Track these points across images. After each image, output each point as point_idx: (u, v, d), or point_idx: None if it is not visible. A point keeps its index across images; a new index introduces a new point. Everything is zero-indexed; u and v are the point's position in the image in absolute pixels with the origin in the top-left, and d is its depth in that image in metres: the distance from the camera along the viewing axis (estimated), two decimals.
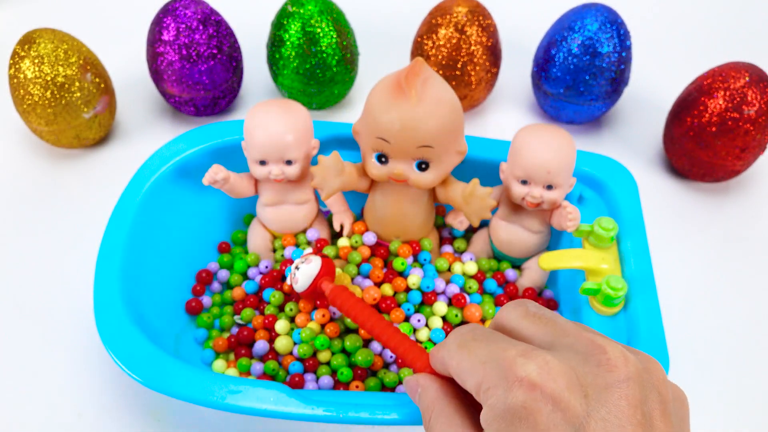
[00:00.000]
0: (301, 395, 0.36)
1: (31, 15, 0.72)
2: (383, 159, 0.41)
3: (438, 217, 0.51)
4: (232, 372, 0.42)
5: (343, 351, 0.42)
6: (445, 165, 0.41)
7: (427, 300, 0.44)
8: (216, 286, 0.48)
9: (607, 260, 0.43)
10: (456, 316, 0.43)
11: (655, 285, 0.42)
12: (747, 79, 0.51)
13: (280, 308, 0.44)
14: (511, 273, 0.47)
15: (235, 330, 0.45)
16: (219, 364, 0.43)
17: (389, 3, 0.75)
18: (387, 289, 0.44)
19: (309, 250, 0.43)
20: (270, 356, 0.43)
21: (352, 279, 0.44)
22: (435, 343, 0.44)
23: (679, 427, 0.24)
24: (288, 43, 0.56)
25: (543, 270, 0.45)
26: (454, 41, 0.56)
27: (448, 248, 0.49)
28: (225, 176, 0.44)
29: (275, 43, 0.57)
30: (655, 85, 0.66)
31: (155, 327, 0.41)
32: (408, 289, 0.44)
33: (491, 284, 0.46)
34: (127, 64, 0.64)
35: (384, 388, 0.42)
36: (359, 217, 0.49)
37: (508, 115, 0.64)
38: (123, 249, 0.42)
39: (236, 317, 0.46)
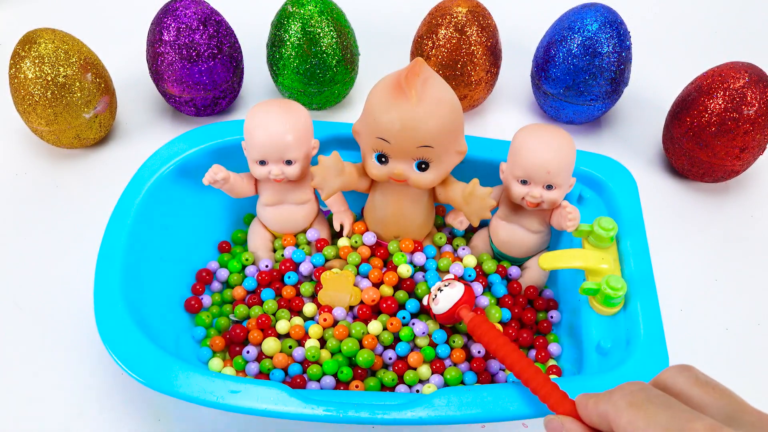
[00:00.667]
0: (301, 395, 0.36)
1: (31, 15, 0.72)
2: (383, 159, 0.41)
3: (438, 217, 0.51)
4: (229, 370, 0.42)
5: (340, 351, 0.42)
6: (445, 165, 0.41)
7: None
8: (216, 285, 0.48)
9: (607, 260, 0.43)
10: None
11: (654, 285, 0.42)
12: (746, 79, 0.51)
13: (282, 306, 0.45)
14: (514, 270, 0.47)
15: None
16: (215, 363, 0.43)
17: (389, 3, 0.75)
18: (386, 290, 0.44)
19: (451, 275, 0.44)
20: (263, 356, 0.43)
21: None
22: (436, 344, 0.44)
23: None
24: (288, 43, 0.56)
25: (543, 270, 0.45)
26: (454, 41, 0.56)
27: (448, 248, 0.49)
28: (225, 176, 0.44)
29: (275, 43, 0.57)
30: (654, 85, 0.66)
31: (155, 327, 0.41)
32: (408, 288, 0.45)
33: (495, 279, 0.46)
34: (127, 64, 0.64)
35: (384, 388, 0.42)
36: (359, 217, 0.49)
37: (508, 115, 0.64)
38: (123, 249, 0.42)
39: (231, 316, 0.46)
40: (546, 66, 0.58)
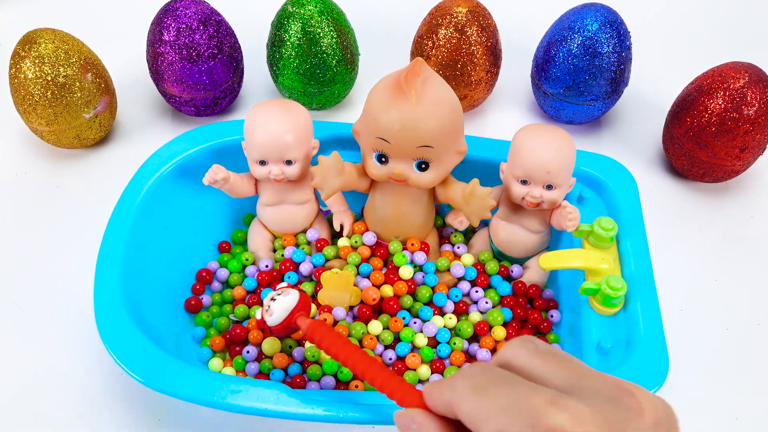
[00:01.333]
0: (301, 395, 0.36)
1: (31, 15, 0.72)
2: (383, 159, 0.41)
3: (438, 217, 0.51)
4: (229, 370, 0.42)
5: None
6: (445, 165, 0.41)
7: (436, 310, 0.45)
8: (216, 285, 0.48)
9: (607, 260, 0.43)
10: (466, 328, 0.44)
11: (654, 285, 0.42)
12: (746, 79, 0.51)
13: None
14: (516, 269, 0.47)
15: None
16: (215, 363, 0.43)
17: (389, 3, 0.75)
18: (387, 290, 0.44)
19: (284, 284, 0.42)
20: (263, 356, 0.43)
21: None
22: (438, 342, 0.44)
23: None
24: (288, 43, 0.56)
25: (543, 270, 0.45)
26: (454, 41, 0.56)
27: (448, 247, 0.49)
28: (225, 176, 0.44)
29: (275, 43, 0.57)
30: (654, 85, 0.66)
31: (155, 327, 0.41)
32: (410, 290, 0.45)
33: (497, 280, 0.47)
34: (127, 64, 0.64)
35: None
36: (359, 217, 0.49)
37: (508, 115, 0.64)
38: (123, 249, 0.42)
39: (231, 316, 0.46)
40: (546, 66, 0.58)
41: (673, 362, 0.41)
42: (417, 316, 0.45)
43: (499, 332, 0.44)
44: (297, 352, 0.42)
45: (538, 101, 0.62)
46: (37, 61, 0.51)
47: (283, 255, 0.47)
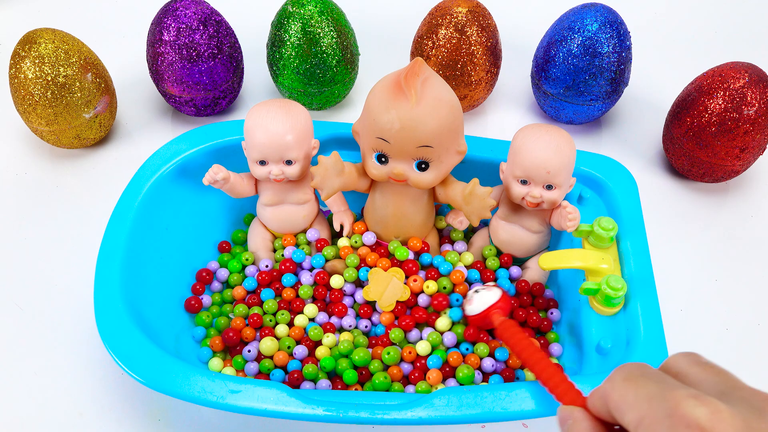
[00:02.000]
0: (301, 395, 0.36)
1: (31, 15, 0.72)
2: (383, 159, 0.41)
3: (439, 217, 0.51)
4: (229, 371, 0.42)
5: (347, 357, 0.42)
6: (444, 165, 0.41)
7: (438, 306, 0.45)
8: (216, 285, 0.48)
9: (607, 260, 0.43)
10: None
11: (654, 285, 0.42)
12: (746, 79, 0.51)
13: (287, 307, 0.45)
14: (515, 270, 0.47)
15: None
16: (215, 363, 0.43)
17: (389, 3, 0.75)
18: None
19: (492, 282, 0.44)
20: (263, 356, 0.43)
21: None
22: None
23: None
24: (288, 43, 0.56)
25: (543, 270, 0.45)
26: (454, 41, 0.56)
27: (447, 247, 0.49)
28: (225, 176, 0.44)
29: (275, 43, 0.57)
30: (654, 85, 0.66)
31: (156, 327, 0.41)
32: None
33: (503, 274, 0.47)
34: (127, 64, 0.65)
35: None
36: (359, 217, 0.49)
37: (508, 115, 0.64)
38: (123, 249, 0.42)
39: (231, 315, 0.46)
40: (546, 66, 0.58)
41: None
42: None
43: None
44: (297, 350, 0.42)
45: (538, 101, 0.62)
46: (37, 61, 0.51)
47: (283, 255, 0.47)
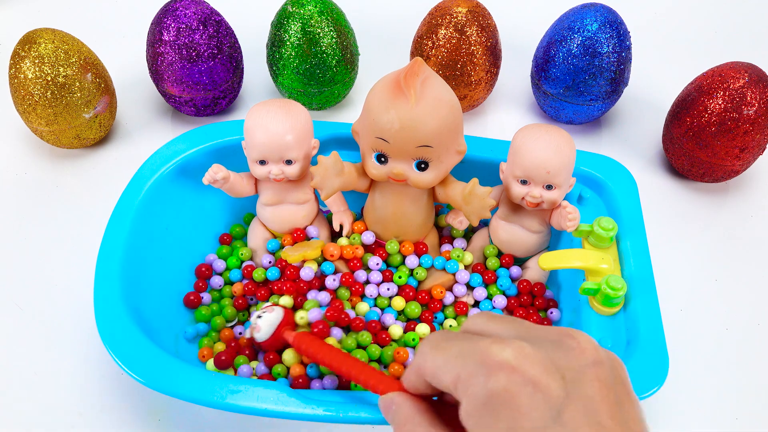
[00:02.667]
0: (301, 395, 0.36)
1: (31, 15, 0.72)
2: (383, 159, 0.41)
3: (440, 217, 0.51)
4: (228, 370, 0.42)
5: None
6: (444, 165, 0.41)
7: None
8: (215, 282, 0.48)
9: (607, 260, 0.43)
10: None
11: (654, 285, 0.42)
12: (746, 79, 0.51)
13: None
14: (515, 270, 0.47)
15: (238, 328, 0.45)
16: (213, 363, 0.43)
17: (389, 3, 0.75)
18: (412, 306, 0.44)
19: (268, 303, 0.43)
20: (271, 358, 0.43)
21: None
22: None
23: (638, 409, 0.25)
24: (288, 43, 0.56)
25: (543, 270, 0.45)
26: (454, 41, 0.56)
27: (447, 247, 0.49)
28: (225, 176, 0.44)
29: (275, 43, 0.57)
30: (654, 85, 0.66)
31: (155, 327, 0.41)
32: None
33: (504, 273, 0.47)
34: (127, 64, 0.64)
35: None
36: (359, 216, 0.49)
37: (508, 115, 0.64)
38: (123, 249, 0.42)
39: (244, 332, 0.45)
40: (546, 66, 0.58)
41: (673, 362, 0.41)
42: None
43: None
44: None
45: (538, 101, 0.62)
46: (37, 61, 0.51)
47: (280, 255, 0.47)
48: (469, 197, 0.42)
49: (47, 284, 0.49)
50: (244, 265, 0.47)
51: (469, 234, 0.51)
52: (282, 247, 0.48)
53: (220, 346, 0.44)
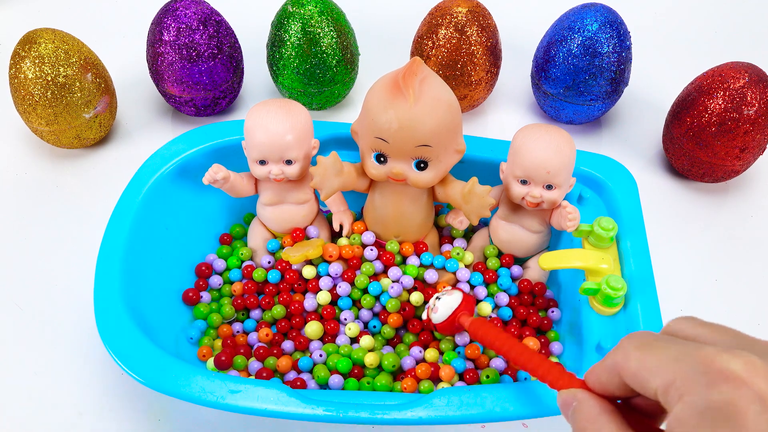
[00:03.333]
0: (301, 395, 0.36)
1: (31, 15, 0.72)
2: (382, 158, 0.41)
3: (440, 216, 0.51)
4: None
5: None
6: (443, 164, 0.41)
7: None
8: (214, 281, 0.47)
9: (607, 260, 0.43)
10: None
11: (654, 285, 0.42)
12: (746, 79, 0.51)
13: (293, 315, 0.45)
14: (516, 269, 0.47)
15: (236, 326, 0.45)
16: (213, 362, 0.43)
17: (389, 3, 0.75)
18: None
19: (449, 286, 0.44)
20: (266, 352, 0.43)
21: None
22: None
23: None
24: (288, 43, 0.56)
25: (543, 270, 0.45)
26: (454, 41, 0.56)
27: (447, 247, 0.49)
28: (225, 175, 0.44)
29: (275, 43, 0.57)
30: (654, 85, 0.66)
31: (156, 327, 0.41)
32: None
33: (504, 272, 0.47)
34: (127, 64, 0.65)
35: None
36: (359, 216, 0.49)
37: (508, 115, 0.64)
38: (123, 249, 0.42)
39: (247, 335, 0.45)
40: (546, 66, 0.58)
41: None
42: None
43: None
44: (303, 362, 0.42)
45: (538, 101, 0.62)
46: (37, 61, 0.51)
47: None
48: (468, 196, 0.42)
49: (47, 284, 0.49)
50: (244, 265, 0.47)
51: (469, 234, 0.51)
52: (282, 247, 0.48)
53: (219, 344, 0.44)
